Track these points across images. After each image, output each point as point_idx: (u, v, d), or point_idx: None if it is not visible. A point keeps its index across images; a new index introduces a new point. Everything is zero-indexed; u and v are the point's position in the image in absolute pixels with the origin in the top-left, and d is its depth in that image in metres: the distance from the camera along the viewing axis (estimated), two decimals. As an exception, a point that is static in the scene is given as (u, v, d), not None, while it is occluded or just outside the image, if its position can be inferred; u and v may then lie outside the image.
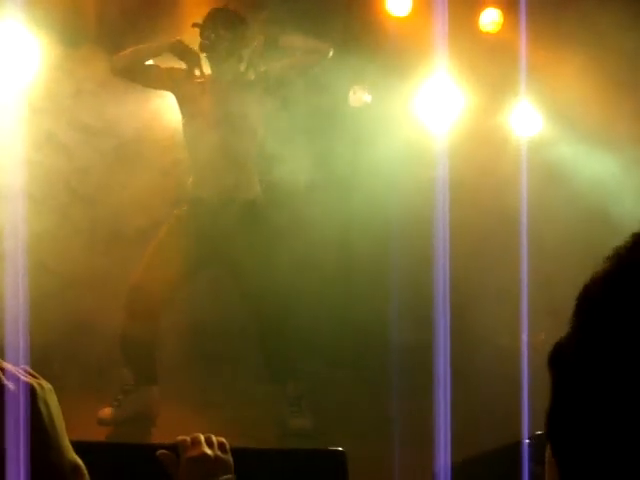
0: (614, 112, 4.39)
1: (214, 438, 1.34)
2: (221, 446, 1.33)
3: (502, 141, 4.60)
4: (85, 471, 0.94)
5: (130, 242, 4.07)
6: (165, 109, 4.08)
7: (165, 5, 4.16)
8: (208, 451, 1.31)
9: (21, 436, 0.90)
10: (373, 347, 4.22)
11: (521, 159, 4.02)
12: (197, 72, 3.65)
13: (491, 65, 4.42)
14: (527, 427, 2.33)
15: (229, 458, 1.33)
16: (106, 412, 3.56)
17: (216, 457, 1.31)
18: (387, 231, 4.26)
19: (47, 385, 0.96)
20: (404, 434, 3.12)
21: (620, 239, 0.69)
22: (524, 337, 3.57)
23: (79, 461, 0.95)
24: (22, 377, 0.94)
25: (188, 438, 1.33)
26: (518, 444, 1.90)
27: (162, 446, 1.31)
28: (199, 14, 3.82)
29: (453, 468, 2.42)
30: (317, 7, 4.26)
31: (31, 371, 0.96)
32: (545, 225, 4.29)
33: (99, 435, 3.42)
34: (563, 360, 0.64)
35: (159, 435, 3.51)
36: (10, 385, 0.91)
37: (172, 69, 3.68)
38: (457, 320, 3.36)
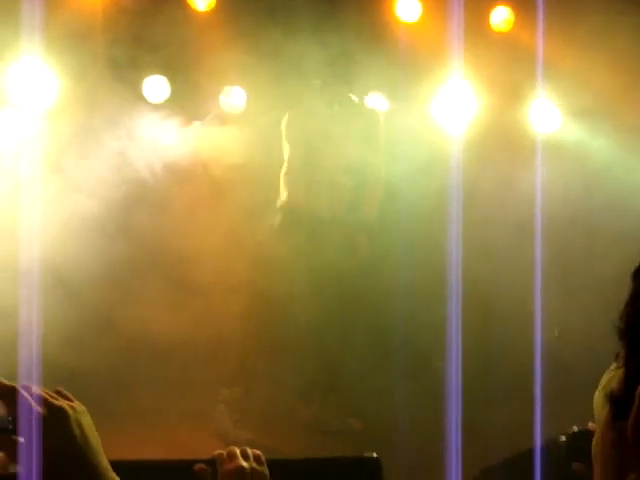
0: (632, 103, 4.35)
1: (249, 451, 1.35)
2: (257, 458, 1.35)
3: (520, 139, 4.58)
4: None
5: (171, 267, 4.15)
6: (195, 140, 4.16)
7: (177, 33, 4.21)
8: (244, 464, 1.32)
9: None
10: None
11: (539, 156, 4.01)
12: None
13: (505, 63, 4.41)
14: (540, 432, 2.31)
15: (265, 470, 1.34)
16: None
17: (252, 469, 1.32)
18: (403, 235, 4.27)
19: (80, 407, 0.97)
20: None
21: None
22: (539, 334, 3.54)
23: (118, 480, 0.96)
24: (53, 401, 0.95)
25: (224, 452, 1.34)
26: (532, 450, 1.89)
27: (199, 461, 1.33)
28: (212, 37, 3.87)
29: (478, 476, 2.42)
30: (328, 16, 4.29)
31: (65, 393, 0.98)
32: (566, 221, 4.27)
33: (139, 455, 3.46)
34: None
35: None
36: (40, 409, 0.92)
37: None
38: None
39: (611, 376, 0.69)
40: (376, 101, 4.62)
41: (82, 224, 3.89)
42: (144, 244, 4.12)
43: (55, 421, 0.92)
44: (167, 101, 4.38)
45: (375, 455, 1.40)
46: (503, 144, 4.52)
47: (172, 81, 4.38)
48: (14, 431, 0.92)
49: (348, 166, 3.97)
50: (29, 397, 0.92)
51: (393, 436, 3.54)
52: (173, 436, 3.71)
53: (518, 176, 4.33)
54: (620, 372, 0.66)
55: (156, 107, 4.36)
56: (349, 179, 3.99)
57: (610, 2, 4.25)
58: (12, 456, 0.92)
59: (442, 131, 4.45)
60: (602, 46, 4.24)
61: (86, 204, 3.92)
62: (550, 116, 4.62)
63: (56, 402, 0.94)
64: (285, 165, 3.97)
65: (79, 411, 0.95)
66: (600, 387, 0.72)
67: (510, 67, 4.39)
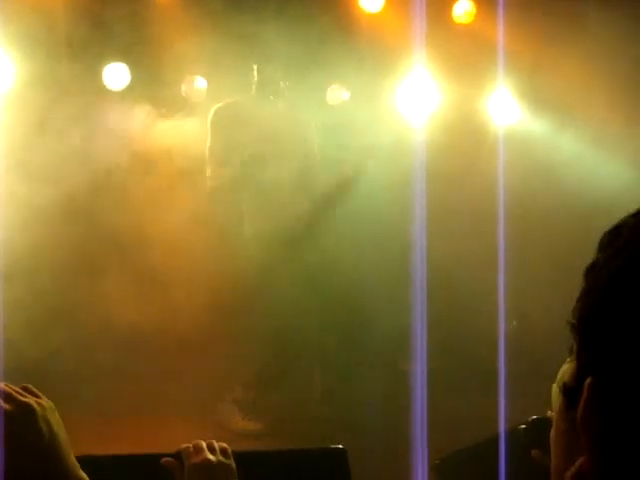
0: (597, 95, 4.42)
1: (216, 444, 1.36)
2: (223, 451, 1.35)
3: (481, 130, 4.63)
4: None
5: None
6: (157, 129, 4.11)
7: (138, 18, 4.15)
8: (211, 457, 1.33)
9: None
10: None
11: (500, 147, 4.06)
12: None
13: (467, 56, 4.45)
14: (504, 420, 2.35)
15: (232, 463, 1.35)
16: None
17: (219, 462, 1.33)
18: (368, 227, 4.29)
19: (48, 403, 0.96)
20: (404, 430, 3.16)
21: (599, 221, 0.71)
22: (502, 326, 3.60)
23: (85, 477, 0.95)
24: (19, 397, 0.94)
25: (190, 445, 1.34)
26: (497, 437, 1.93)
27: (166, 454, 1.33)
28: (173, 25, 3.83)
29: (438, 464, 2.45)
30: (292, 5, 4.27)
31: (33, 389, 0.97)
32: (525, 212, 4.34)
33: (104, 450, 3.43)
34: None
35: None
36: (6, 406, 0.92)
37: None
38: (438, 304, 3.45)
39: (565, 369, 0.73)
40: (337, 92, 4.63)
41: (41, 212, 3.82)
42: (107, 233, 4.07)
43: (21, 417, 0.92)
44: (127, 88, 4.33)
45: (341, 446, 1.42)
46: (465, 134, 4.57)
47: (133, 68, 4.33)
48: (-20, 428, 0.91)
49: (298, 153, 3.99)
50: None
51: (360, 424, 3.58)
52: (138, 427, 3.69)
53: (480, 165, 4.39)
54: (572, 365, 0.70)
55: (116, 94, 4.31)
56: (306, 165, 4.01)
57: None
58: (-22, 454, 0.91)
59: (405, 121, 4.48)
60: (565, 38, 4.30)
61: (45, 192, 3.86)
62: (511, 108, 4.68)
63: (23, 398, 0.93)
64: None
65: (47, 407, 0.95)
66: (557, 380, 0.76)
67: (472, 59, 4.42)
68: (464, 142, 4.53)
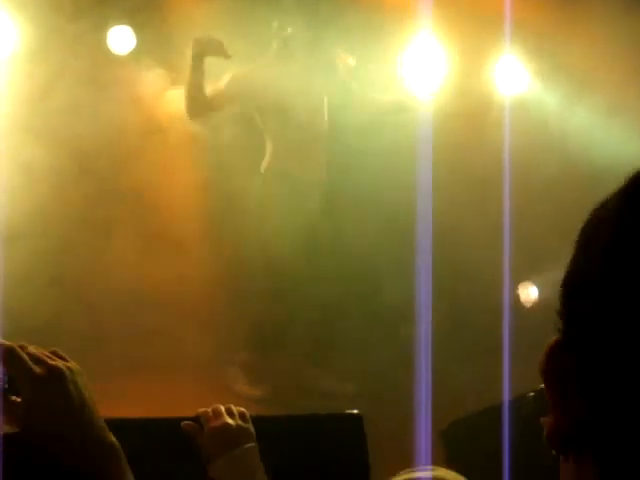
0: (604, 64, 4.39)
1: (234, 408, 1.38)
2: (242, 416, 1.37)
3: (489, 99, 4.60)
4: (120, 450, 0.96)
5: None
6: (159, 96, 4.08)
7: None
8: (230, 421, 1.34)
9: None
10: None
11: (507, 116, 4.04)
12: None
13: (474, 22, 4.40)
14: (508, 386, 2.37)
15: (250, 427, 1.36)
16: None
17: (238, 426, 1.35)
18: (372, 196, 4.29)
19: (76, 367, 0.97)
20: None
21: (608, 191, 0.70)
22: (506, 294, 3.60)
23: (114, 440, 0.96)
24: (49, 361, 0.95)
25: (209, 410, 1.36)
26: (504, 404, 1.94)
27: (185, 418, 1.34)
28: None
29: (446, 430, 2.48)
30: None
31: (61, 353, 0.98)
32: (532, 181, 4.33)
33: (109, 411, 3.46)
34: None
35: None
36: (37, 369, 0.92)
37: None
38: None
39: None
40: (343, 58, 4.59)
41: (48, 175, 3.81)
42: (114, 196, 4.06)
43: (52, 380, 0.93)
44: (133, 52, 4.28)
45: (357, 411, 1.44)
46: (473, 102, 4.54)
47: (138, 31, 4.27)
48: (11, 391, 0.92)
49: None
50: (25, 357, 0.92)
51: (364, 390, 3.61)
52: (144, 390, 3.72)
53: (486, 133, 4.37)
54: None
55: (120, 58, 4.27)
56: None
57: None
58: (9, 416, 0.92)
59: (410, 89, 4.44)
60: (577, 3, 4.26)
61: (51, 154, 3.84)
62: (519, 76, 4.64)
63: (52, 362, 0.94)
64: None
65: (75, 371, 0.96)
66: None
67: (480, 26, 4.38)
68: (471, 110, 4.50)
